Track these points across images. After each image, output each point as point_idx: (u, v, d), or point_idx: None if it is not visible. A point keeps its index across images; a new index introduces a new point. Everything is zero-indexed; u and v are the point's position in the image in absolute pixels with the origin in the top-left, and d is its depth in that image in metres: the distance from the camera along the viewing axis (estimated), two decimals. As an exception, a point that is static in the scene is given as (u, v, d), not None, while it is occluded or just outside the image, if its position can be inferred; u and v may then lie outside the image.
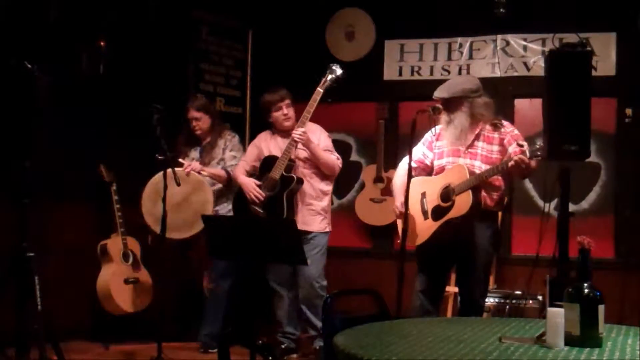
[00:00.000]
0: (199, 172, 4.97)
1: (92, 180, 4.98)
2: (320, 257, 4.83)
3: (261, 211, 4.74)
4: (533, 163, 3.88)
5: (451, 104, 4.06)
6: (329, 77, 4.68)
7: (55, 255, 4.71)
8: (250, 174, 4.95)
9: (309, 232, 4.77)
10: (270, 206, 4.73)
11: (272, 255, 3.65)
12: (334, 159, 4.86)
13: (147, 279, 5.19)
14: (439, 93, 4.08)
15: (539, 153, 3.75)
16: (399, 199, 4.14)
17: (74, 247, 5.07)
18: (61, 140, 4.78)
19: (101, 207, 5.10)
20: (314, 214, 4.83)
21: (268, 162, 4.81)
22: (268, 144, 4.95)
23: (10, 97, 4.47)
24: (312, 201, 4.82)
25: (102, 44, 5.16)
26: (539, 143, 3.77)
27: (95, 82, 5.16)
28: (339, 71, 4.69)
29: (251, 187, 4.79)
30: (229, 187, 5.09)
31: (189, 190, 4.91)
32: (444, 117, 4.08)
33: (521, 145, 3.81)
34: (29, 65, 3.88)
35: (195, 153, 5.18)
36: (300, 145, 4.72)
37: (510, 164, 3.79)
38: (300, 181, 4.76)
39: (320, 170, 4.83)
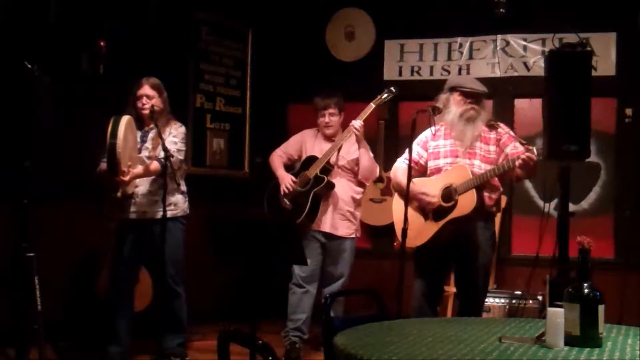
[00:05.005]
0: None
1: (92, 180, 4.97)
2: (349, 259, 4.92)
3: (288, 203, 4.87)
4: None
5: (481, 101, 4.09)
6: (385, 95, 4.75)
7: (55, 255, 4.70)
8: (285, 166, 5.05)
9: (336, 237, 4.87)
10: (296, 201, 4.85)
11: (274, 256, 3.63)
12: (374, 163, 4.97)
13: (147, 279, 5.19)
14: (482, 87, 4.09)
15: (541, 152, 3.76)
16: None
17: (74, 247, 5.06)
18: (61, 140, 4.78)
19: (101, 207, 5.09)
20: (343, 219, 4.90)
21: (308, 161, 4.92)
22: (312, 142, 5.03)
23: (10, 97, 4.46)
24: (344, 206, 4.90)
25: (102, 44, 5.15)
26: (540, 143, 3.79)
27: (95, 82, 5.16)
28: (394, 91, 4.75)
29: (287, 180, 4.91)
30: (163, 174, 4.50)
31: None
32: (468, 112, 4.02)
33: (523, 144, 3.80)
34: (29, 65, 3.87)
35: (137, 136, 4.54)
36: (342, 152, 4.83)
37: (518, 162, 3.76)
38: (330, 186, 4.82)
39: (356, 176, 4.89)
